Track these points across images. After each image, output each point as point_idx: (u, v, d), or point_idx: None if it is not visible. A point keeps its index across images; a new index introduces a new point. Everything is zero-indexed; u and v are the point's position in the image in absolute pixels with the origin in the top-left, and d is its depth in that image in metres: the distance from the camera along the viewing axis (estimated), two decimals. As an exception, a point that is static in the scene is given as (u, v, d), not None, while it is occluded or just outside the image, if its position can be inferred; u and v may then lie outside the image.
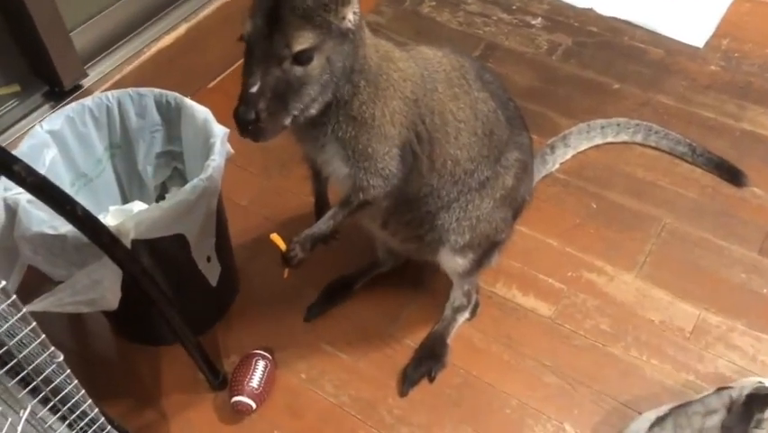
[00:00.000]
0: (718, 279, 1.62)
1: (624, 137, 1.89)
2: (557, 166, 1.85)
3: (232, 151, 1.40)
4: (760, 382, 1.23)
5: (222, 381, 1.46)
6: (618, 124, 1.89)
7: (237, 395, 1.40)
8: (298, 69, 0.98)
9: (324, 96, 1.04)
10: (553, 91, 2.06)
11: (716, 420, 1.20)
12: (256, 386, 1.41)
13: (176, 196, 1.23)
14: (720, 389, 1.26)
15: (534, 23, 2.29)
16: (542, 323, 1.56)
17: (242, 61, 1.02)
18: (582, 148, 1.87)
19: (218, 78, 2.12)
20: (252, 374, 1.42)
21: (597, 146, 1.88)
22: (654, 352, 1.50)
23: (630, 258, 1.66)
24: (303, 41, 0.96)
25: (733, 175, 1.80)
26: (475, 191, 1.28)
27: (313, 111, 1.04)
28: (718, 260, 1.65)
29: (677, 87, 2.06)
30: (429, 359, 1.49)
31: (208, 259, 1.40)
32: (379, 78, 1.09)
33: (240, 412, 1.42)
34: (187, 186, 1.24)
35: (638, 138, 1.89)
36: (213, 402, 1.46)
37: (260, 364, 1.44)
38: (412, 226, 1.33)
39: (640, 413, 1.37)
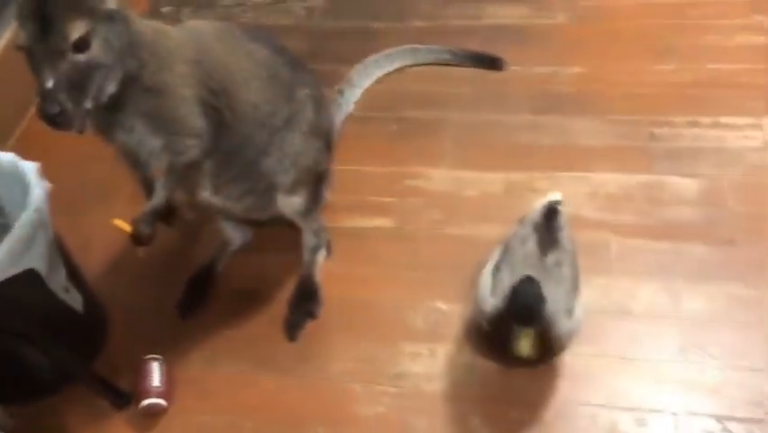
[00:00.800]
0: (509, 146, 1.90)
1: (397, 64, 2.12)
2: (351, 107, 2.04)
3: (49, 184, 1.43)
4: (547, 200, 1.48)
5: (126, 398, 1.49)
6: (389, 54, 2.12)
7: (145, 399, 1.45)
8: (82, 56, 1.06)
9: (116, 75, 1.12)
10: (324, 48, 2.26)
11: (531, 244, 1.41)
12: (159, 384, 1.47)
13: (12, 233, 1.25)
14: (521, 220, 1.49)
15: (285, -4, 2.47)
16: (388, 235, 1.75)
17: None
18: (367, 84, 2.08)
19: (13, 136, 2.08)
20: (151, 376, 1.47)
21: (379, 79, 2.10)
22: (482, 217, 1.73)
23: (437, 156, 1.90)
24: (76, 30, 1.04)
25: (493, 63, 2.10)
26: (284, 130, 1.41)
27: (110, 90, 1.12)
28: (504, 132, 1.93)
29: (424, 9, 2.33)
30: (306, 302, 1.62)
31: (66, 290, 1.43)
32: (159, 48, 1.19)
33: (154, 414, 1.47)
34: (20, 220, 1.26)
35: (408, 60, 2.13)
36: (125, 420, 1.48)
37: (155, 365, 1.49)
38: (241, 181, 1.42)
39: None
